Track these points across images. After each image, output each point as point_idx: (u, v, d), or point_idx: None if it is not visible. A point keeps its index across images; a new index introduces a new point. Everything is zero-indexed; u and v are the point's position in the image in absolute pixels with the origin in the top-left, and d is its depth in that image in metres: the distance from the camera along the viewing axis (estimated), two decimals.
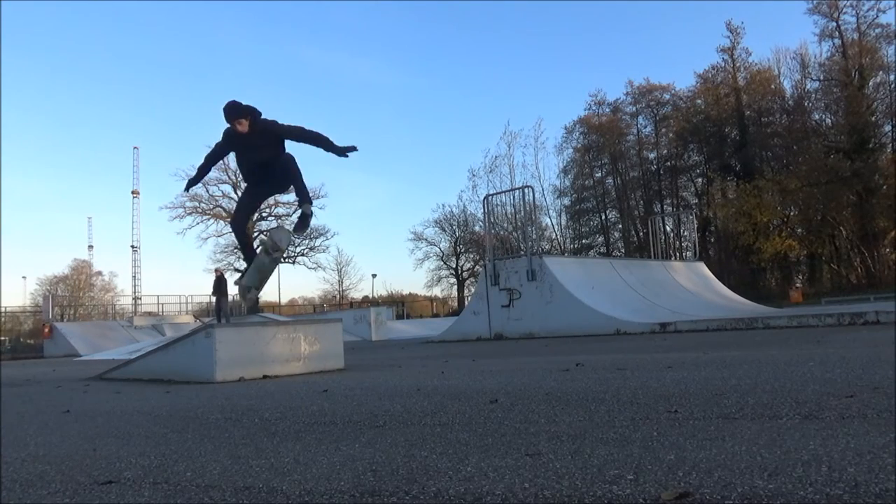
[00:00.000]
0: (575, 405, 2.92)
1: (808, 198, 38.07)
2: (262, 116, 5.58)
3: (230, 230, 46.91)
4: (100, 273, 65.08)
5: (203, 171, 6.06)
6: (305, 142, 5.71)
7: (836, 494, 1.37)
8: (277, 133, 5.70)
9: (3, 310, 40.78)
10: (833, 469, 1.55)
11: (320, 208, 52.92)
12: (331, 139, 5.69)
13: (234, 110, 5.43)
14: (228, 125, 5.51)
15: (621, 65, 74.75)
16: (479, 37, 75.64)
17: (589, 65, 71.19)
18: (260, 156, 5.70)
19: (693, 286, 16.07)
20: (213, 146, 5.85)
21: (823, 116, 42.71)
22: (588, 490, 1.53)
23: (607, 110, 51.88)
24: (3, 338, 36.60)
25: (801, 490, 1.41)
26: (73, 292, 58.54)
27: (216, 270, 26.76)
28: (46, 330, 28.58)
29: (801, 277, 43.45)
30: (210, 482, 1.89)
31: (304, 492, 1.71)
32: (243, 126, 5.42)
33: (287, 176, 6.01)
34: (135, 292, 52.73)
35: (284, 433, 2.71)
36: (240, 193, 47.97)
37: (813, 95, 42.71)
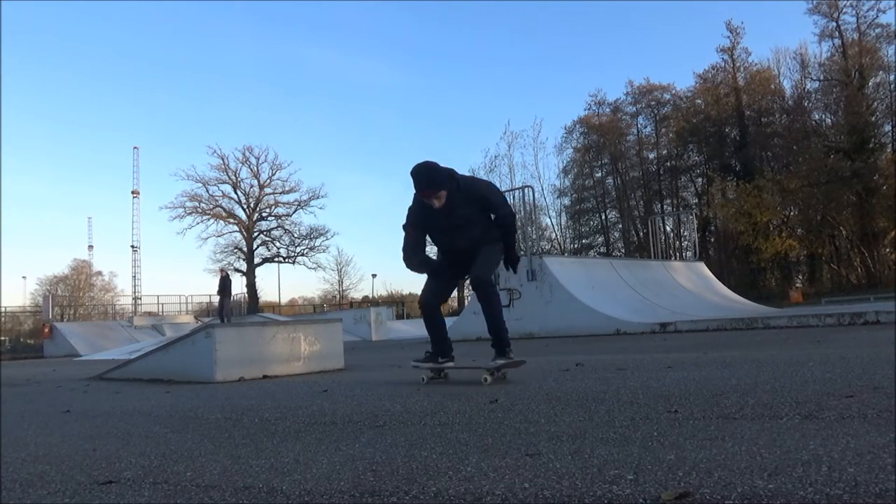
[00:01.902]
0: (575, 405, 2.92)
1: (808, 198, 38.04)
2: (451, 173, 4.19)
3: (230, 230, 46.94)
4: (100, 273, 65.04)
5: (421, 244, 4.44)
6: (498, 225, 4.37)
7: (836, 494, 1.37)
8: (481, 195, 4.27)
9: (2, 310, 40.81)
10: (833, 469, 1.55)
11: (320, 208, 53.09)
12: (516, 242, 4.57)
13: (432, 183, 4.04)
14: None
15: (621, 65, 74.71)
16: (479, 36, 75.67)
17: (589, 65, 71.18)
18: (458, 220, 4.23)
19: (693, 286, 16.06)
20: (410, 215, 4.36)
21: (823, 116, 42.70)
22: (588, 490, 1.53)
23: (607, 110, 51.84)
24: (3, 338, 36.59)
25: (801, 490, 1.41)
26: (73, 292, 58.51)
27: (221, 270, 26.72)
28: (46, 330, 28.58)
29: (801, 277, 43.42)
30: (210, 482, 1.89)
31: (304, 492, 1.71)
32: (441, 200, 4.06)
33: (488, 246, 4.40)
34: (135, 292, 52.76)
35: (284, 433, 2.71)
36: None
37: (813, 95, 42.71)
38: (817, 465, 1.60)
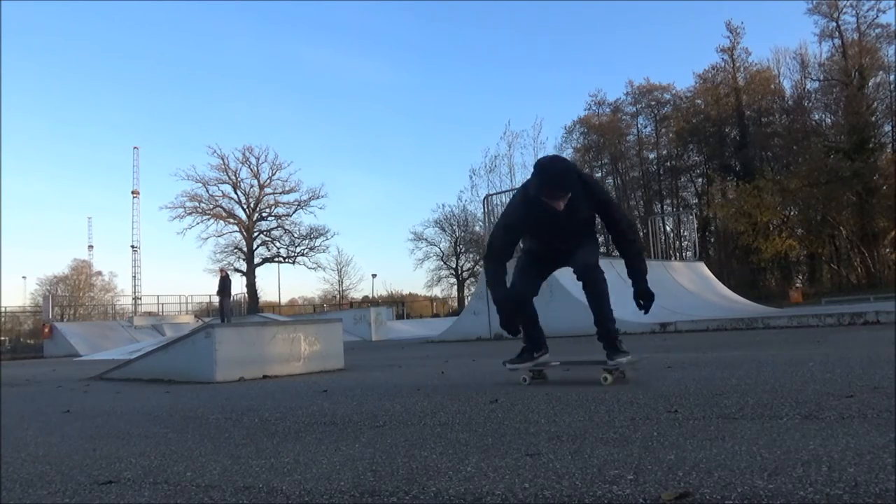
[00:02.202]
0: (575, 405, 2.92)
1: (807, 198, 38.06)
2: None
3: (230, 230, 46.87)
4: (100, 273, 65.05)
5: (511, 251, 3.99)
6: (621, 235, 3.99)
7: (836, 494, 1.36)
8: (602, 201, 3.86)
9: (2, 310, 40.81)
10: (833, 469, 1.55)
11: (320, 208, 53.11)
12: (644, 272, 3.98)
13: (566, 185, 3.55)
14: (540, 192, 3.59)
15: (621, 65, 74.80)
16: (479, 36, 75.70)
17: (589, 65, 71.22)
18: (573, 223, 3.79)
19: (693, 286, 16.06)
20: (508, 212, 3.93)
21: (823, 116, 42.76)
22: (588, 490, 1.53)
23: (607, 110, 51.91)
24: (3, 338, 36.60)
25: (801, 490, 1.41)
26: (73, 292, 58.51)
27: (221, 271, 26.71)
28: (46, 330, 28.59)
29: (800, 277, 43.45)
30: (210, 482, 1.89)
31: (304, 492, 1.71)
32: (565, 202, 3.56)
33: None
34: (135, 292, 52.77)
35: (284, 433, 2.71)
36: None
37: (813, 95, 42.75)
38: (817, 465, 1.60)
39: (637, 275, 3.90)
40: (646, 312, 4.00)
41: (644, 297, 3.88)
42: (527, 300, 3.98)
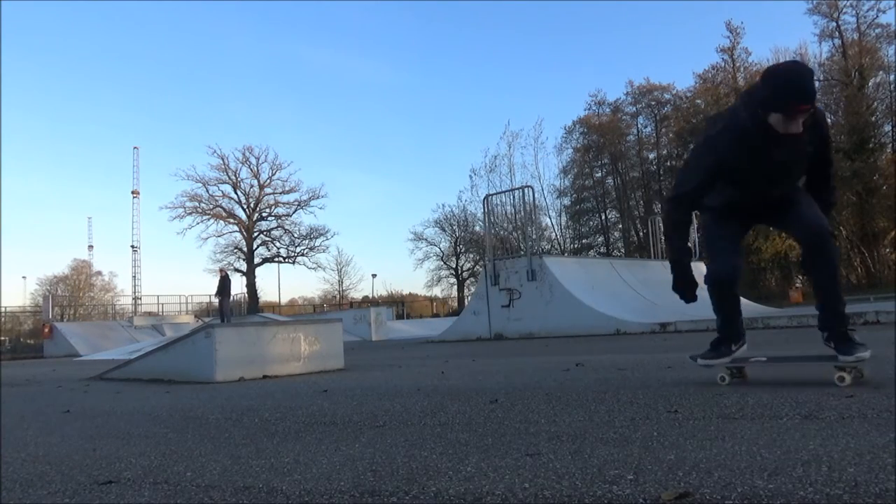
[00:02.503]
0: (575, 405, 2.92)
1: None
2: None
3: (230, 230, 46.84)
4: (100, 273, 65.01)
5: (700, 197, 3.19)
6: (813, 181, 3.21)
7: (836, 494, 1.37)
8: (827, 135, 3.09)
9: (2, 310, 40.80)
10: (833, 469, 1.55)
11: (320, 208, 53.13)
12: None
13: (808, 90, 2.68)
14: (761, 113, 2.79)
15: (621, 65, 74.79)
16: (478, 36, 75.70)
17: (589, 65, 71.23)
18: (800, 157, 2.99)
19: None
20: (702, 153, 3.08)
21: None
22: (588, 490, 1.53)
23: (607, 110, 51.92)
24: (2, 338, 36.59)
25: (802, 490, 1.41)
26: (73, 292, 58.50)
27: (220, 271, 26.70)
28: (46, 330, 28.59)
29: (801, 277, 43.44)
30: (210, 482, 1.89)
31: (304, 492, 1.71)
32: (802, 120, 2.76)
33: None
34: (135, 292, 52.73)
35: (284, 433, 2.71)
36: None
37: None
38: (817, 465, 1.60)
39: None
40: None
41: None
42: (734, 281, 3.25)
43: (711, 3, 63.74)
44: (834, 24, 40.57)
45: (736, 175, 3.03)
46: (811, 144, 2.94)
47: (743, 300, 17.18)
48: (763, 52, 63.25)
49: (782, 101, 2.70)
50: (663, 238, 3.20)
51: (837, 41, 40.91)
